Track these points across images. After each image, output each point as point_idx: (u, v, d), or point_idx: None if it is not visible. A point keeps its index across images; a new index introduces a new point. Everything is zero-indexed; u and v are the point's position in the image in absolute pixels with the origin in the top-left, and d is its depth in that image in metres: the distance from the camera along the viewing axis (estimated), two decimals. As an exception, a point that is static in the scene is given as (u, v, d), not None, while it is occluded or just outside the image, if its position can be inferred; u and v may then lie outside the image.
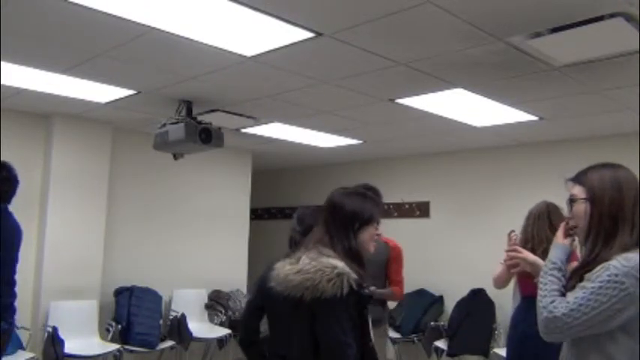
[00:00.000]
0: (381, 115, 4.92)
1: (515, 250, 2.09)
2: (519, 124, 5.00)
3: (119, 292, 5.58)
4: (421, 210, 6.80)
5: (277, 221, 8.36)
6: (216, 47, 3.29)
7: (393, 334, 5.83)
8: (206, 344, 5.99)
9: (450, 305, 6.17)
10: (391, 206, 6.75)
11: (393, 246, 3.53)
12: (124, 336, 5.29)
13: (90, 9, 2.78)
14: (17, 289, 3.40)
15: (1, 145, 4.44)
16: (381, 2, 2.66)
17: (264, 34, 3.10)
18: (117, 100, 4.60)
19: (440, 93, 4.12)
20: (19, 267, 3.42)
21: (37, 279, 5.09)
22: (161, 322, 5.61)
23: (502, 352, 4.88)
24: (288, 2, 2.69)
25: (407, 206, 6.86)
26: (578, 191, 1.70)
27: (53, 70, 3.88)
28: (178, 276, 6.13)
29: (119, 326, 5.35)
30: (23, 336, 4.77)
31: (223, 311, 6.15)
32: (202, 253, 6.40)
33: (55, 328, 4.79)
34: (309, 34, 3.06)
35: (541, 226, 3.41)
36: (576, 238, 1.78)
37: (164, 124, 4.56)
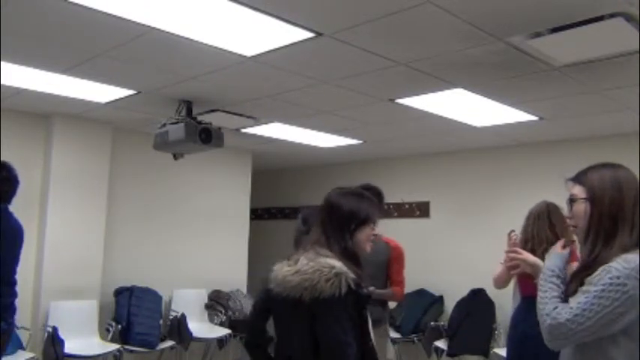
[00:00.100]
0: (381, 115, 4.92)
1: (515, 252, 2.09)
2: (519, 124, 5.00)
3: (119, 292, 5.58)
4: (421, 210, 6.80)
5: (277, 221, 8.37)
6: (216, 47, 3.29)
7: (393, 334, 5.83)
8: (206, 344, 5.99)
9: (450, 305, 6.17)
10: (391, 206, 6.75)
11: (394, 246, 3.51)
12: (124, 336, 5.29)
13: (90, 9, 2.78)
14: (17, 288, 3.40)
15: (1, 145, 4.45)
16: (381, 2, 2.66)
17: (264, 34, 3.10)
18: (117, 100, 4.60)
19: (440, 93, 4.12)
20: (19, 267, 3.43)
21: (37, 279, 5.09)
22: (161, 322, 5.61)
23: (502, 352, 4.88)
24: (288, 2, 2.69)
25: (407, 206, 6.86)
26: (578, 191, 1.69)
27: (53, 70, 3.88)
28: (178, 276, 6.13)
29: (119, 326, 5.35)
30: (23, 336, 4.77)
31: (223, 311, 6.15)
32: (202, 253, 6.40)
33: (55, 328, 4.80)
34: (309, 34, 3.06)
35: (541, 226, 3.41)
36: (576, 238, 1.78)
37: (164, 124, 4.56)
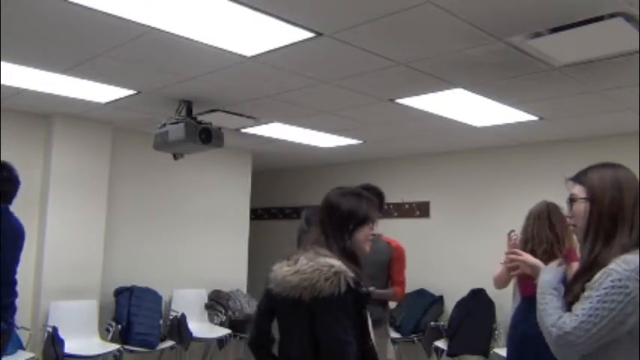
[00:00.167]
0: (381, 115, 4.92)
1: (515, 253, 2.09)
2: (519, 124, 5.00)
3: (119, 292, 5.58)
4: (421, 210, 6.80)
5: (277, 221, 8.37)
6: (216, 47, 3.29)
7: (393, 334, 5.83)
8: (206, 344, 5.99)
9: (450, 305, 6.17)
10: (391, 206, 6.75)
11: (395, 246, 3.50)
12: (124, 336, 5.29)
13: (90, 9, 2.78)
14: (17, 287, 3.40)
15: (1, 145, 4.44)
16: (381, 2, 2.66)
17: (264, 34, 3.10)
18: (117, 100, 4.60)
19: (440, 93, 4.12)
20: (19, 267, 3.42)
21: (37, 279, 5.09)
22: (161, 322, 5.61)
23: (502, 352, 4.88)
24: (288, 2, 2.69)
25: (407, 206, 6.86)
26: (579, 191, 1.69)
27: (53, 70, 3.88)
28: (178, 276, 6.13)
29: (119, 326, 5.35)
30: (23, 336, 4.77)
31: (223, 311, 6.15)
32: (202, 253, 6.40)
33: (55, 328, 4.79)
34: (309, 34, 3.06)
35: (541, 226, 3.41)
36: (575, 237, 1.77)
37: (164, 124, 4.56)
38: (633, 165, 1.77)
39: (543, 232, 3.38)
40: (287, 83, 4.01)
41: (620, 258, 1.52)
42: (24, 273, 3.71)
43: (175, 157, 4.90)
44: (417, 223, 6.75)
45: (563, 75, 3.66)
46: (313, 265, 1.87)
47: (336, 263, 1.87)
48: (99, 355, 4.90)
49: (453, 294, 6.17)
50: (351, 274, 1.86)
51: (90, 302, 5.28)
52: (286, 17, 2.85)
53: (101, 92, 4.40)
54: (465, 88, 4.00)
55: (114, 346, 5.04)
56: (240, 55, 3.43)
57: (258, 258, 6.90)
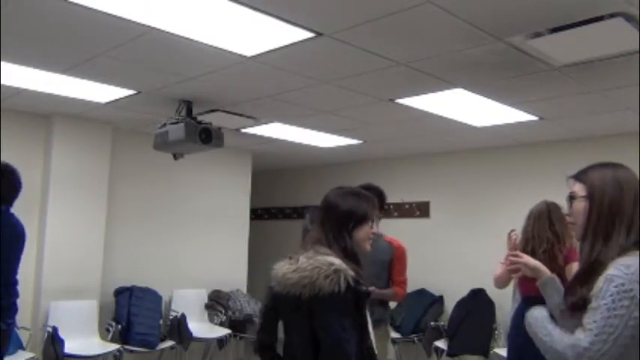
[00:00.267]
0: (381, 115, 4.92)
1: (515, 255, 2.09)
2: (519, 124, 5.00)
3: (119, 292, 5.58)
4: (421, 210, 6.80)
5: (277, 221, 8.37)
6: (216, 47, 3.29)
7: (393, 334, 5.82)
8: (206, 344, 5.99)
9: (450, 305, 6.16)
10: (391, 206, 6.74)
11: (397, 246, 3.48)
12: (124, 336, 5.29)
13: (90, 9, 2.78)
14: (19, 287, 3.40)
15: (1, 145, 4.44)
16: (381, 2, 2.66)
17: (264, 34, 3.10)
18: (117, 100, 4.60)
19: (440, 93, 4.12)
20: (19, 267, 3.43)
21: (37, 279, 5.09)
22: (161, 322, 5.61)
23: (502, 352, 4.88)
24: (288, 2, 2.69)
25: (407, 206, 6.86)
26: (579, 189, 1.69)
27: (53, 70, 3.88)
28: (178, 276, 6.13)
29: (119, 326, 5.35)
30: (23, 336, 4.76)
31: (223, 311, 6.15)
32: (202, 253, 6.40)
33: (55, 328, 4.79)
34: (309, 34, 3.06)
35: (541, 226, 3.41)
36: (573, 234, 1.77)
37: (164, 124, 4.56)
38: (633, 165, 1.77)
39: (544, 231, 3.38)
40: (287, 83, 4.01)
41: (619, 262, 1.51)
42: (24, 273, 3.71)
43: (175, 157, 4.90)
44: (417, 223, 6.75)
45: (563, 75, 3.66)
46: (313, 263, 1.87)
47: (336, 261, 1.87)
48: (99, 355, 4.90)
49: (453, 294, 6.17)
50: (351, 272, 1.87)
51: (90, 302, 5.28)
52: (286, 17, 2.85)
53: (101, 92, 4.40)
54: (465, 88, 4.00)
55: (114, 346, 5.04)
56: (240, 55, 3.43)
57: (258, 258, 6.90)
